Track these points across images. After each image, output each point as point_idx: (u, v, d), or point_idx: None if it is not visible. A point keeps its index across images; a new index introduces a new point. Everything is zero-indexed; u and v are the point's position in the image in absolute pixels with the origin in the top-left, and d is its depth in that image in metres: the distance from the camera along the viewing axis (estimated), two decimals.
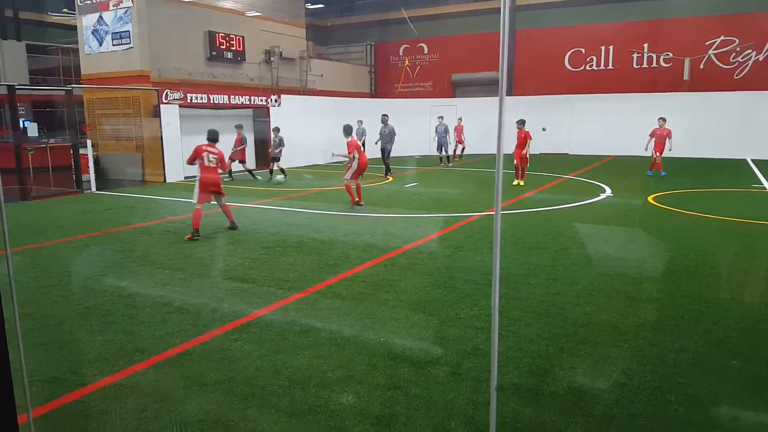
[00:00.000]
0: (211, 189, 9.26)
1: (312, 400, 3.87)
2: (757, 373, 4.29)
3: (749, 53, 23.39)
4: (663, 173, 16.32)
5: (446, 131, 21.25)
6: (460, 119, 23.00)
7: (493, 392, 2.68)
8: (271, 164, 17.21)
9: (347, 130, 12.01)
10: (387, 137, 17.74)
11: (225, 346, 4.80)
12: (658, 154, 16.33)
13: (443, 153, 21.52)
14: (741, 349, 4.67)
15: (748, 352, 4.62)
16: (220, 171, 9.44)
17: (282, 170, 16.86)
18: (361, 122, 20.10)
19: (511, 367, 4.32)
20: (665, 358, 4.45)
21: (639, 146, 23.12)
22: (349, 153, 11.67)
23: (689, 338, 4.83)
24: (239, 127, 16.99)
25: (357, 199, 11.94)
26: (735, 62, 23.69)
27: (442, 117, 21.43)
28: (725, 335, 4.90)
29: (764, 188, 13.84)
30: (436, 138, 21.43)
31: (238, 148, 16.82)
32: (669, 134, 16.31)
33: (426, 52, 29.96)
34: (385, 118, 17.81)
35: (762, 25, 22.85)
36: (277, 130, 17.14)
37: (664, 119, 16.58)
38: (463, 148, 23.08)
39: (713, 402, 3.83)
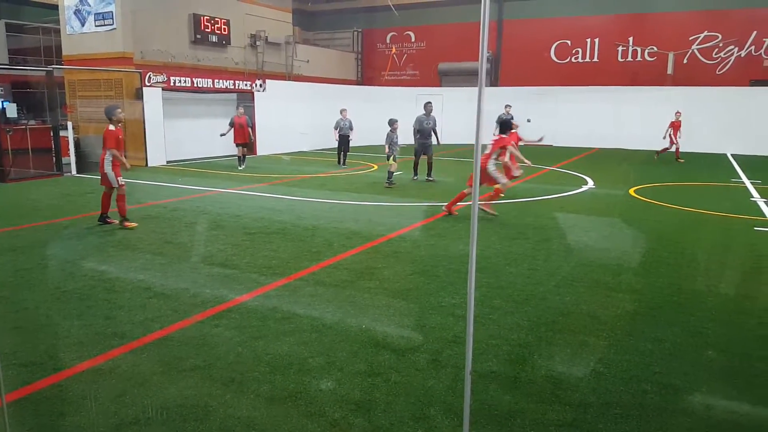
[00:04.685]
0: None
1: (292, 386, 3.87)
2: (731, 364, 4.37)
3: (731, 49, 23.61)
4: None
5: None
6: (679, 113, 19.08)
7: (467, 376, 2.70)
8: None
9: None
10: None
11: (205, 332, 4.78)
12: None
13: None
14: (717, 339, 4.75)
15: (724, 343, 4.70)
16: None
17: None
18: (344, 111, 17.84)
19: (490, 354, 4.36)
20: (642, 347, 4.51)
21: (621, 139, 23.59)
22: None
23: (667, 328, 4.90)
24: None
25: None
26: (718, 58, 23.91)
27: (509, 106, 18.36)
28: (702, 326, 4.98)
29: (742, 182, 14.03)
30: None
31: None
32: None
33: (413, 40, 29.83)
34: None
35: (744, 22, 23.06)
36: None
37: None
38: (677, 149, 19.07)
39: (688, 391, 3.89)
